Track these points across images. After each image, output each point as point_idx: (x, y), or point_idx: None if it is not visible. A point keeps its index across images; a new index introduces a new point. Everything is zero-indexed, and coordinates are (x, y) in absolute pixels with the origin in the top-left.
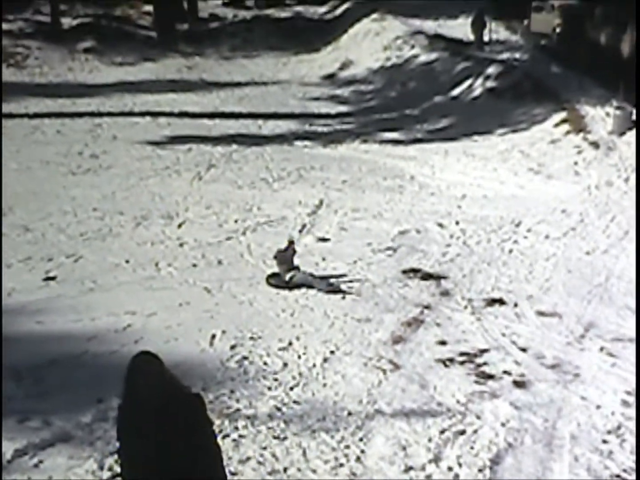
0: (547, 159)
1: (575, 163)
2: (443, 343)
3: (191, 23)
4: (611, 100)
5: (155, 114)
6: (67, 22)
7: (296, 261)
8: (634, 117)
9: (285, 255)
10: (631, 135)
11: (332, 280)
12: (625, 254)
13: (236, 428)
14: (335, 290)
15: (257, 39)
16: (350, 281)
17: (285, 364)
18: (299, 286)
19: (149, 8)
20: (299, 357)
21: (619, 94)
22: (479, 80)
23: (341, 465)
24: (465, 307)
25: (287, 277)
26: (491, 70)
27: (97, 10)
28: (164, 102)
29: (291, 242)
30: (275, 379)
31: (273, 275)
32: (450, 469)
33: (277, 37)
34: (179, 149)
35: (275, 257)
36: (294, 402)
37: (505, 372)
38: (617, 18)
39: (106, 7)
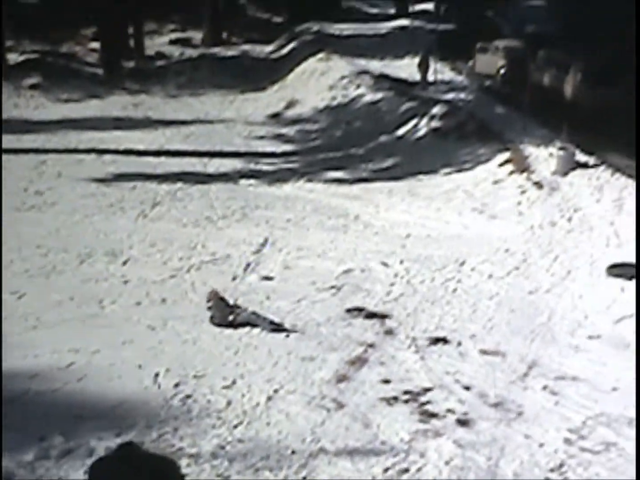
0: (491, 198)
1: (519, 203)
2: (387, 382)
3: (137, 60)
4: (554, 140)
5: (100, 151)
6: (12, 58)
7: (240, 299)
8: (576, 157)
9: (213, 298)
10: (574, 175)
11: (276, 318)
12: (568, 293)
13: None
14: (279, 328)
15: (203, 77)
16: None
17: (229, 403)
18: (242, 324)
19: (95, 45)
20: (243, 395)
21: (562, 135)
22: (424, 120)
23: None
24: (409, 346)
25: (231, 315)
26: (436, 110)
27: (43, 46)
28: (109, 140)
29: (213, 292)
30: (219, 418)
31: (217, 313)
32: None
33: (223, 75)
34: (124, 186)
35: (208, 301)
36: (238, 440)
37: (449, 410)
38: (560, 60)
39: (52, 43)
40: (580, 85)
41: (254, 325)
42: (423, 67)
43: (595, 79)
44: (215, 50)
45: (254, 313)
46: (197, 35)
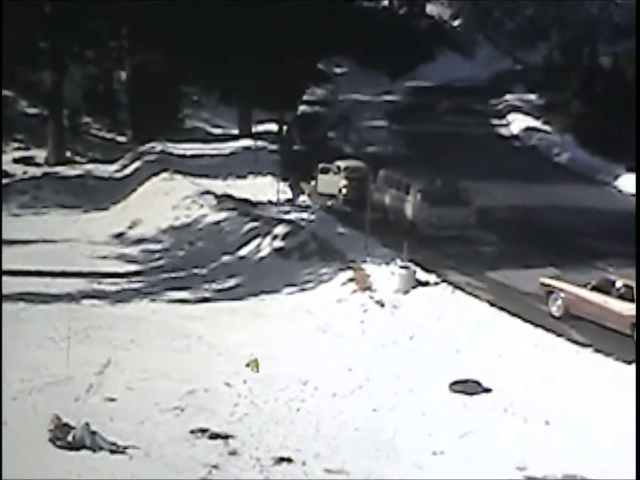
0: (334, 317)
1: (362, 322)
2: None
3: None
4: (395, 259)
5: None
6: None
7: (84, 420)
8: (417, 276)
9: (55, 420)
10: (415, 293)
11: (119, 440)
12: (411, 411)
13: None
14: (121, 450)
15: (47, 196)
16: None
17: None
18: (85, 447)
19: None
20: None
21: (403, 254)
22: (267, 240)
23: None
24: (254, 466)
25: (73, 438)
26: (278, 230)
27: None
28: None
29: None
30: None
31: (58, 435)
32: None
33: (66, 194)
34: None
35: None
36: None
37: None
38: (400, 180)
39: None
40: (420, 204)
41: (97, 447)
42: (295, 188)
43: (435, 199)
44: (59, 169)
45: (95, 433)
46: (40, 154)
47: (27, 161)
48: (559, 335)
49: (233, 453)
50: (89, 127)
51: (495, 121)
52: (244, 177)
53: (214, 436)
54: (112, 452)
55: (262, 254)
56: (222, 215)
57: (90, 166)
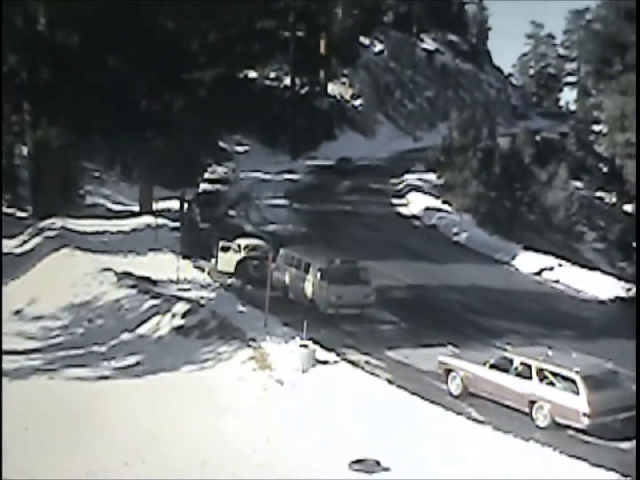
0: (233, 396)
1: (261, 400)
2: None
3: None
4: (295, 338)
5: None
6: None
7: None
8: (316, 355)
9: None
10: (314, 372)
11: None
12: None
13: None
14: None
15: None
16: None
17: None
18: None
19: None
20: None
21: (303, 332)
22: (166, 318)
23: None
24: None
25: None
26: (178, 308)
27: None
28: None
29: None
30: None
31: None
32: None
33: None
34: None
35: None
36: None
37: None
38: (301, 259)
39: None
40: (319, 283)
41: None
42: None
43: (334, 278)
44: None
45: None
46: None
47: None
48: (458, 413)
49: None
50: None
51: (395, 200)
52: (144, 254)
53: None
54: None
55: (162, 332)
56: (122, 292)
57: None
